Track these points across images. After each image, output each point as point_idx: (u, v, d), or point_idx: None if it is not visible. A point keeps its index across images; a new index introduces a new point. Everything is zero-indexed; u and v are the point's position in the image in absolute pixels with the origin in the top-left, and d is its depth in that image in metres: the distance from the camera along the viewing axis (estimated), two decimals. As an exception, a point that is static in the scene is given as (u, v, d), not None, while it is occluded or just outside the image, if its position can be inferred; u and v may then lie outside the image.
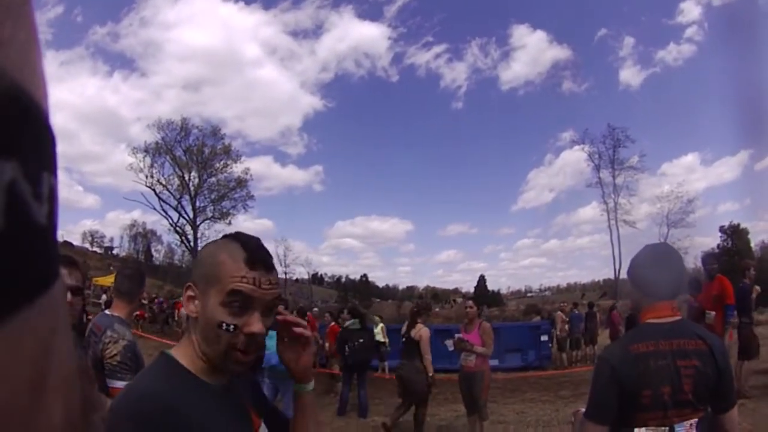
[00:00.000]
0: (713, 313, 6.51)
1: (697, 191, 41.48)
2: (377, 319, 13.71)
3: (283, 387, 6.19)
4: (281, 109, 75.32)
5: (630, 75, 61.76)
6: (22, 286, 0.24)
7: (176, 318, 18.17)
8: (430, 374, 6.43)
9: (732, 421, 1.88)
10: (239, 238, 1.07)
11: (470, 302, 6.56)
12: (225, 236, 1.11)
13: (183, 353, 1.05)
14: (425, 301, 9.58)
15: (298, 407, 1.27)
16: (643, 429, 1.82)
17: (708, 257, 7.73)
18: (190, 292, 1.05)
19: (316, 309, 13.99)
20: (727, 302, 6.60)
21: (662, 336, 1.86)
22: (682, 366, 1.81)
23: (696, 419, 1.82)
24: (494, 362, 12.81)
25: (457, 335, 6.42)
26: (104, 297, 21.15)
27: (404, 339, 6.76)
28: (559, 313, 14.95)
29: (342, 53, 67.40)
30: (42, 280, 0.25)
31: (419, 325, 6.73)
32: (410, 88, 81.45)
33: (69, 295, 1.93)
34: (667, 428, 1.81)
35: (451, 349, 6.75)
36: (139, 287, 3.00)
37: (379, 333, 12.43)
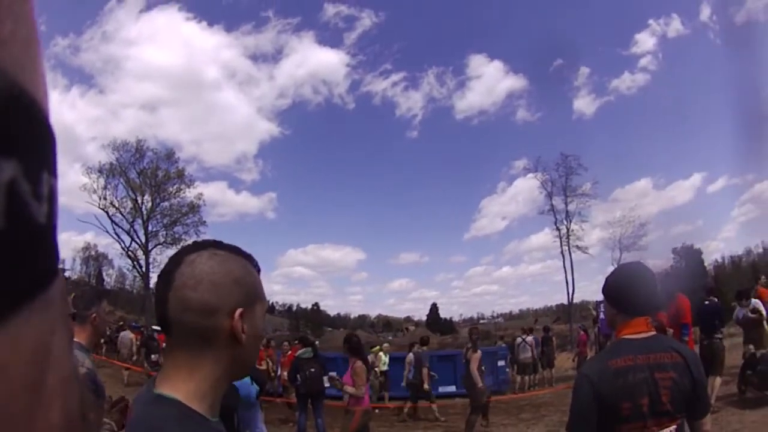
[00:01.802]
0: (671, 330, 6.77)
1: (650, 215, 42.66)
2: (386, 346, 13.70)
3: (248, 416, 6.05)
4: (237, 134, 74.73)
5: (584, 104, 63.81)
6: (21, 286, 0.24)
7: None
8: (479, 386, 8.30)
9: (706, 426, 1.99)
10: (237, 250, 1.03)
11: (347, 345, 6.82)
12: (215, 246, 1.00)
13: (187, 393, 0.92)
14: (477, 329, 10.20)
15: None
16: None
17: (667, 278, 8.07)
18: (238, 316, 0.94)
19: (286, 343, 13.70)
20: (682, 321, 6.87)
21: (639, 350, 1.94)
22: (660, 378, 1.90)
23: (674, 427, 1.90)
24: (451, 388, 12.93)
25: (331, 373, 6.91)
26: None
27: (464, 360, 8.78)
28: (530, 338, 15.00)
29: (300, 79, 67.42)
30: (41, 280, 0.25)
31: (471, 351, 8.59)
32: (366, 117, 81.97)
33: None
34: None
35: (327, 384, 7.15)
36: (87, 309, 2.82)
37: (384, 362, 12.42)
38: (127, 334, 15.97)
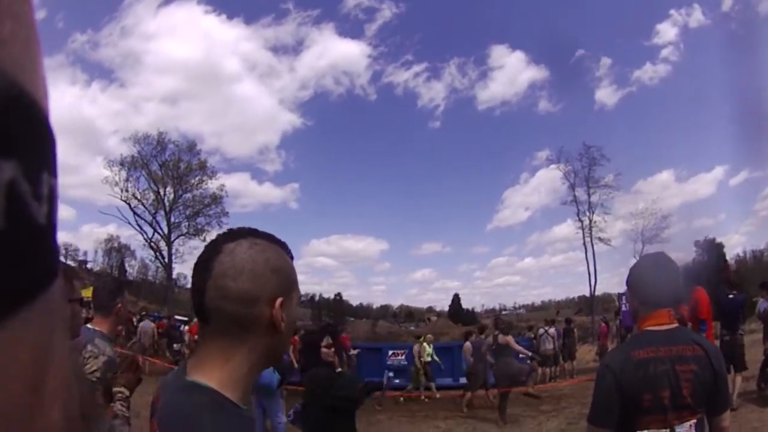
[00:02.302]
0: (689, 324, 6.68)
1: (672, 207, 41.83)
2: (430, 337, 13.72)
3: (269, 404, 6.13)
4: (259, 126, 74.94)
5: (606, 95, 62.76)
6: (21, 286, 0.24)
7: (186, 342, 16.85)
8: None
9: (726, 422, 1.97)
10: (272, 238, 1.03)
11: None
12: (253, 235, 1.00)
13: (220, 381, 0.92)
14: (503, 319, 11.58)
15: None
16: None
17: (687, 270, 7.90)
18: (279, 306, 0.96)
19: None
20: (700, 317, 6.74)
21: (661, 342, 1.93)
22: (681, 371, 1.88)
23: (695, 420, 1.90)
24: (463, 380, 12.93)
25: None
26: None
27: (494, 346, 9.47)
28: (552, 329, 14.63)
29: (321, 71, 67.22)
30: (41, 281, 0.25)
31: (501, 335, 9.46)
32: (388, 107, 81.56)
33: None
34: (668, 430, 1.88)
35: None
36: (112, 300, 2.87)
37: (429, 353, 12.52)
38: (148, 324, 15.84)
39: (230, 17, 65.29)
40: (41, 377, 0.26)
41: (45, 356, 0.26)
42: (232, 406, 0.90)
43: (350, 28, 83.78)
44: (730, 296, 7.58)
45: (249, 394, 0.98)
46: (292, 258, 1.05)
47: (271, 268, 0.96)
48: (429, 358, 12.55)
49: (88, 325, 2.81)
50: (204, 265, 0.95)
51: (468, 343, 11.43)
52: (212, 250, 0.97)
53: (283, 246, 1.03)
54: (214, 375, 0.92)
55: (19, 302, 0.23)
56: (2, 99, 0.23)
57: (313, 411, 3.23)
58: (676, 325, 2.00)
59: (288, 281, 1.00)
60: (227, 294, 0.92)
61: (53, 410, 0.27)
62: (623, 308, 11.33)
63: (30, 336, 0.24)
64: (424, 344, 12.73)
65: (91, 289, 3.07)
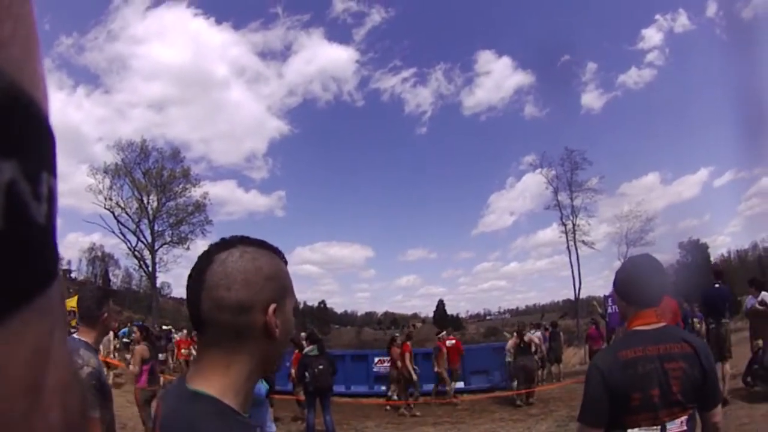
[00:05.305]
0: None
1: (657, 210, 42.26)
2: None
3: (257, 413, 6.06)
4: (247, 133, 74.82)
5: (591, 99, 63.79)
6: (20, 287, 0.24)
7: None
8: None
9: (716, 417, 2.00)
10: (264, 244, 1.03)
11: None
12: (243, 243, 1.00)
13: (222, 389, 0.92)
14: (522, 323, 13.86)
15: None
16: (636, 429, 1.91)
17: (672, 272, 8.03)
18: (272, 312, 0.95)
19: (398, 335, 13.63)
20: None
21: (649, 342, 1.96)
22: (670, 368, 1.91)
23: (686, 417, 1.92)
24: (459, 384, 12.90)
25: None
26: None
27: (521, 344, 11.26)
28: (538, 333, 14.38)
29: (309, 76, 67.32)
30: (40, 281, 0.25)
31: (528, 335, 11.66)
32: (375, 114, 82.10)
33: None
34: (659, 427, 1.90)
35: None
36: (98, 310, 2.86)
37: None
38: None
39: (219, 21, 65.18)
40: (40, 378, 0.25)
41: (44, 357, 0.26)
42: (235, 414, 0.91)
43: (339, 33, 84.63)
44: (716, 285, 7.80)
45: (249, 401, 0.97)
46: (285, 263, 1.05)
47: (264, 276, 0.97)
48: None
49: (75, 336, 2.79)
50: (197, 276, 0.96)
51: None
52: (204, 261, 0.97)
53: (276, 252, 1.03)
54: (215, 383, 0.92)
55: (18, 302, 0.23)
56: (2, 99, 0.23)
57: None
58: (663, 323, 2.03)
59: (281, 287, 1.00)
60: (222, 304, 0.93)
61: (52, 411, 0.27)
62: (609, 310, 11.44)
63: (29, 336, 0.24)
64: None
65: (75, 298, 3.04)
